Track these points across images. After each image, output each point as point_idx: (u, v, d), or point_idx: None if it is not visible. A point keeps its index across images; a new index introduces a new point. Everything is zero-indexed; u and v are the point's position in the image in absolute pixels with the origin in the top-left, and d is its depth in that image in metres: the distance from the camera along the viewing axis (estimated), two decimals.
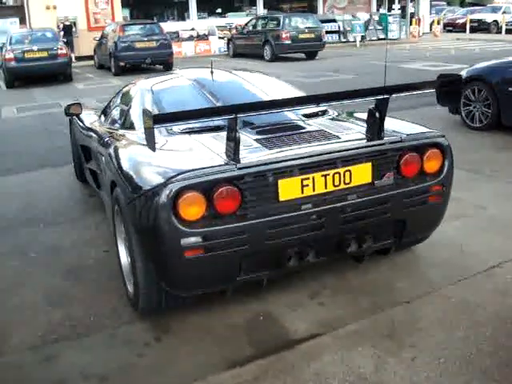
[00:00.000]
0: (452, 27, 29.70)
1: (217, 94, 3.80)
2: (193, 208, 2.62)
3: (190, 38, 23.02)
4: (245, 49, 20.50)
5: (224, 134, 2.87)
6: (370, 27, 24.44)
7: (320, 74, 14.31)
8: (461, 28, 27.90)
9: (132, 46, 16.18)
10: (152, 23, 17.90)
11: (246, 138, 3.12)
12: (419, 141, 3.11)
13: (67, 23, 20.68)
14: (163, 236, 2.67)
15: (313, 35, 18.68)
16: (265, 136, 3.17)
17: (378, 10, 27.50)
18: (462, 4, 41.10)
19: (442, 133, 3.26)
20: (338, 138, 3.13)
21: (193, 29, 23.42)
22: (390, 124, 3.26)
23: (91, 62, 19.57)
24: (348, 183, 2.90)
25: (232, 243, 2.71)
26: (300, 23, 18.92)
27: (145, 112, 2.53)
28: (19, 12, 21.75)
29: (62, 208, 5.20)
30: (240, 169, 2.68)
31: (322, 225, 2.88)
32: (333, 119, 3.65)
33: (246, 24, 20.84)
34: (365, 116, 3.13)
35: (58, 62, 14.60)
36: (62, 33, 20.06)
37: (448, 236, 3.94)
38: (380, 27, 24.81)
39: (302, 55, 19.43)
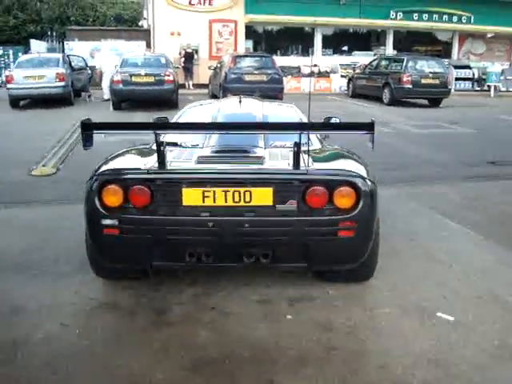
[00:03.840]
0: None
1: (222, 118, 4.41)
2: (112, 197, 3.37)
3: (311, 74, 22.47)
4: (364, 89, 19.44)
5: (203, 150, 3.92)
6: (508, 77, 22.24)
7: (434, 125, 12.86)
8: None
9: (242, 79, 15.84)
10: (265, 56, 17.46)
11: (197, 153, 3.78)
12: (327, 177, 3.39)
13: (189, 50, 21.00)
14: (90, 214, 3.50)
15: (437, 81, 17.14)
16: (211, 154, 3.82)
17: None
18: None
19: (360, 174, 3.45)
20: (260, 164, 3.53)
21: (315, 65, 22.81)
22: (329, 160, 3.97)
23: (206, 91, 19.64)
24: (248, 202, 3.31)
25: (140, 231, 3.40)
26: (425, 67, 17.51)
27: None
28: (147, 36, 22.64)
29: (70, 253, 4.50)
30: (150, 173, 3.37)
31: (217, 233, 3.34)
32: (301, 153, 3.47)
33: (370, 63, 19.80)
34: (337, 158, 4.00)
35: (163, 88, 14.44)
36: (182, 59, 20.46)
37: None
38: None
39: (425, 101, 17.97)
